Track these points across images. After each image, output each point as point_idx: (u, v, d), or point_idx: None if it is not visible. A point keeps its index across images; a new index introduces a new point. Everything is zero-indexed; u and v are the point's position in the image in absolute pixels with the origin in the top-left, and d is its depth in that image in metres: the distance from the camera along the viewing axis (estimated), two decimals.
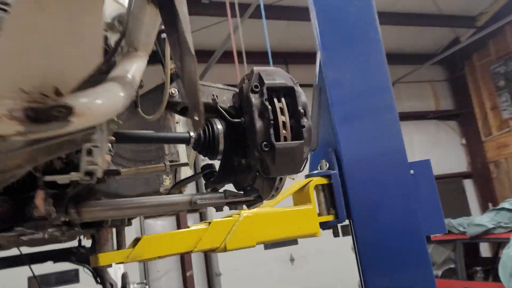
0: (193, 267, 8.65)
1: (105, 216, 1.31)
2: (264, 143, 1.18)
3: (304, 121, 1.24)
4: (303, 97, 1.28)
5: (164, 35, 1.40)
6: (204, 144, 1.29)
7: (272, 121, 1.18)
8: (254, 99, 1.21)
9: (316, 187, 2.41)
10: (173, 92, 1.29)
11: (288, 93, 1.26)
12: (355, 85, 2.55)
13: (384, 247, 2.36)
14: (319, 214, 2.38)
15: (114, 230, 1.89)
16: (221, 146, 1.27)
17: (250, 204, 1.35)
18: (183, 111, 1.34)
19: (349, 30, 2.61)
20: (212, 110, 1.27)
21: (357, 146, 2.47)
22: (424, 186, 2.43)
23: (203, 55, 8.70)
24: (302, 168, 1.26)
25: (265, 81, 1.22)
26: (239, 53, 6.49)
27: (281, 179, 1.33)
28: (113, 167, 1.57)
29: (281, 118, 1.21)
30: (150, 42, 1.02)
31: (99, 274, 3.79)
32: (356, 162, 2.44)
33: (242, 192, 1.35)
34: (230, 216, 2.00)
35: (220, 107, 1.27)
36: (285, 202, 2.48)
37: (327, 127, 2.57)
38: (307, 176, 2.44)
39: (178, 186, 1.53)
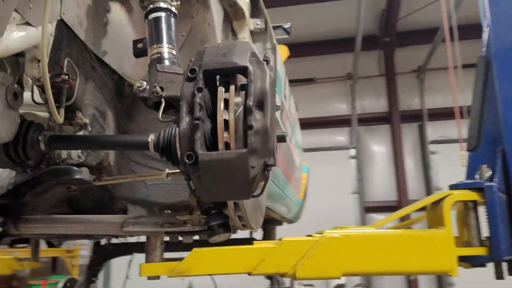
0: None
1: (40, 232, 1.18)
2: (188, 152, 0.81)
3: (255, 119, 0.79)
4: (263, 81, 0.82)
5: (152, 16, 1.17)
6: (162, 150, 1.00)
7: (197, 121, 0.80)
8: (186, 88, 0.85)
9: (465, 204, 1.69)
10: (138, 85, 1.04)
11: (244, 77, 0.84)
12: None
13: None
14: (467, 244, 1.66)
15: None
16: (179, 153, 0.95)
17: (211, 235, 0.97)
18: (158, 106, 1.07)
19: None
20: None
21: None
22: None
23: (426, 34, 7.81)
24: (255, 191, 0.81)
25: (203, 62, 0.84)
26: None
27: (236, 203, 0.90)
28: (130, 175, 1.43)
29: (221, 116, 0.81)
30: None
31: None
32: None
33: (184, 220, 0.98)
34: (310, 236, 1.60)
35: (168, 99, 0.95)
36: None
37: (495, 118, 1.76)
38: (451, 188, 1.74)
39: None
